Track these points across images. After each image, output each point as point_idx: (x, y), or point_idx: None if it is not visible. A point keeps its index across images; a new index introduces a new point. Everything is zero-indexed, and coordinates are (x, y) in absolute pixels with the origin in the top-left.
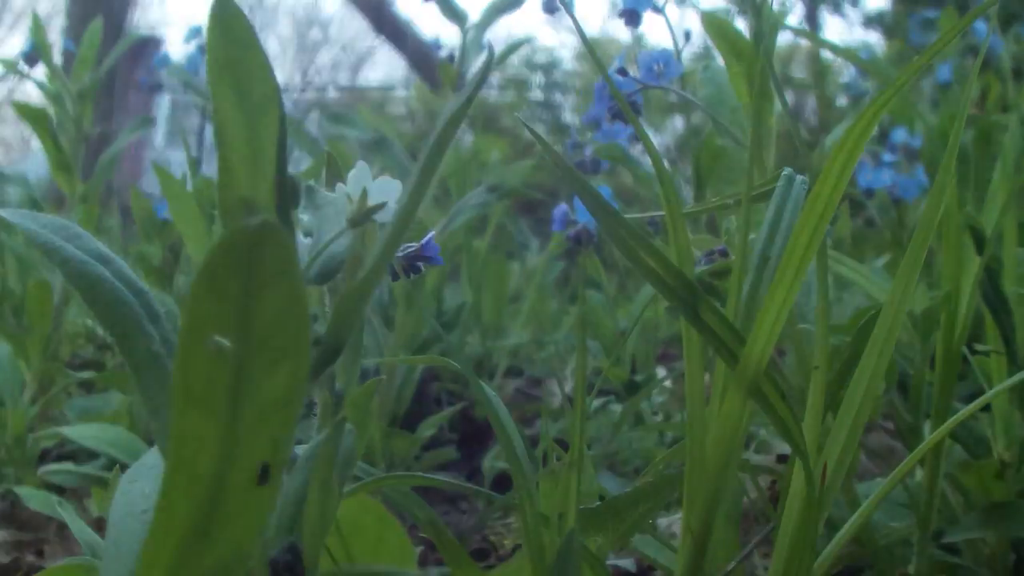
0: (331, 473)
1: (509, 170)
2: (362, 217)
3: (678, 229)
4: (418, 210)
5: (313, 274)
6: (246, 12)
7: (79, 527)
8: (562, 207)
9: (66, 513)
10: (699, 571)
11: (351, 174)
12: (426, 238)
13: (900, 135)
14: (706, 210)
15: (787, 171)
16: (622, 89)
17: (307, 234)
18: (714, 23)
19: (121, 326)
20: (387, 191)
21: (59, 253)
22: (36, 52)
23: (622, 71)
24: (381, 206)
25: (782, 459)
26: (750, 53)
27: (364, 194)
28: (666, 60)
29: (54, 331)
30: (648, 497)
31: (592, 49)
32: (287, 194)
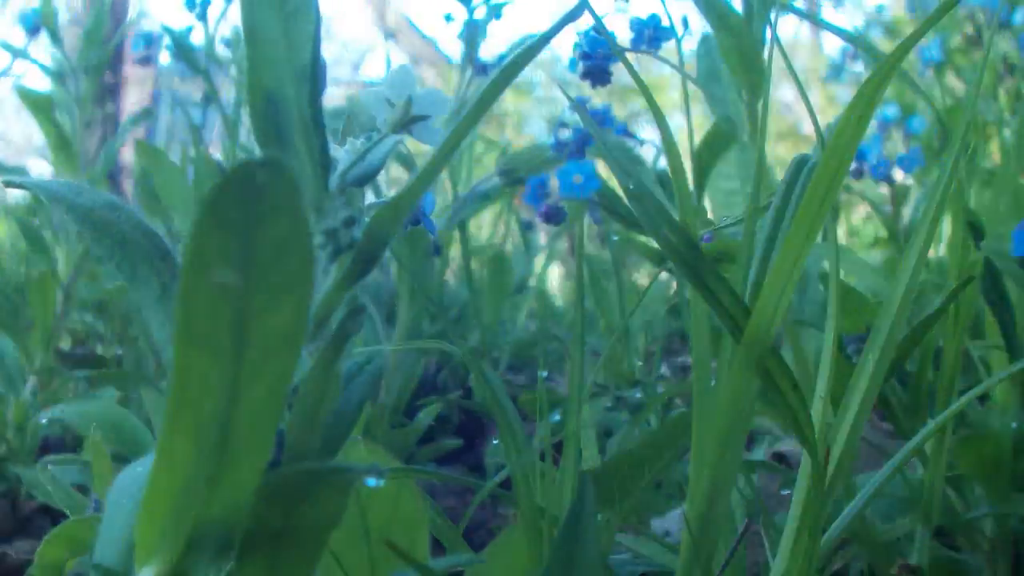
0: (337, 356)
1: (521, 155)
2: (403, 125)
3: (684, 200)
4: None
5: (351, 178)
6: None
7: (63, 492)
8: (539, 177)
9: (52, 485)
10: (700, 557)
11: (392, 73)
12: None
13: (893, 111)
14: (717, 229)
15: (799, 156)
16: (598, 50)
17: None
18: None
19: (129, 262)
20: (433, 103)
21: (68, 200)
22: (39, 20)
23: (596, 36)
24: (424, 118)
25: (778, 457)
26: (739, 26)
27: (408, 102)
28: (655, 24)
29: (56, 326)
30: (664, 445)
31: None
32: (318, 88)
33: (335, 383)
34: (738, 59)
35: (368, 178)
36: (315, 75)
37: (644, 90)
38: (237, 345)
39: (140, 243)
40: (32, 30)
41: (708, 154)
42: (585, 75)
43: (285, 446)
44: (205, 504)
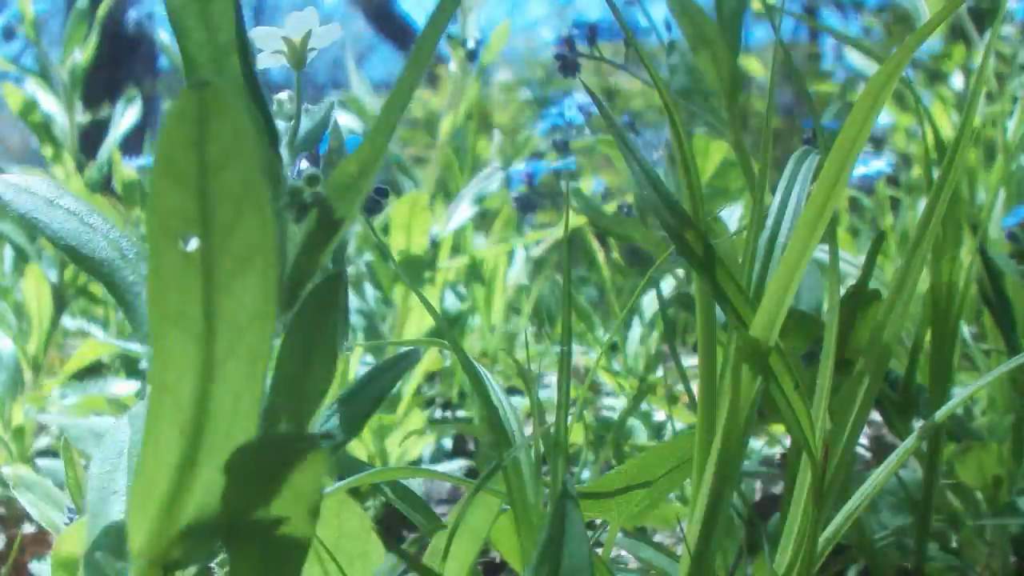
0: (318, 325)
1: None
2: (301, 55)
3: (695, 196)
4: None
5: (299, 142)
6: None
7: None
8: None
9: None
10: (701, 561)
11: (292, 17)
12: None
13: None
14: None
15: (799, 152)
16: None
17: (290, 118)
18: (678, 3)
19: (89, 261)
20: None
21: (16, 207)
22: (15, 23)
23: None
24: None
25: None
26: (716, 37)
27: (306, 36)
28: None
29: (53, 328)
30: (667, 459)
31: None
32: (249, 61)
33: (326, 361)
34: (714, 68)
35: (314, 141)
36: (244, 50)
37: (660, 88)
38: (209, 320)
39: (98, 243)
40: (7, 34)
41: (701, 159)
42: (561, 69)
43: (265, 424)
44: (189, 488)
